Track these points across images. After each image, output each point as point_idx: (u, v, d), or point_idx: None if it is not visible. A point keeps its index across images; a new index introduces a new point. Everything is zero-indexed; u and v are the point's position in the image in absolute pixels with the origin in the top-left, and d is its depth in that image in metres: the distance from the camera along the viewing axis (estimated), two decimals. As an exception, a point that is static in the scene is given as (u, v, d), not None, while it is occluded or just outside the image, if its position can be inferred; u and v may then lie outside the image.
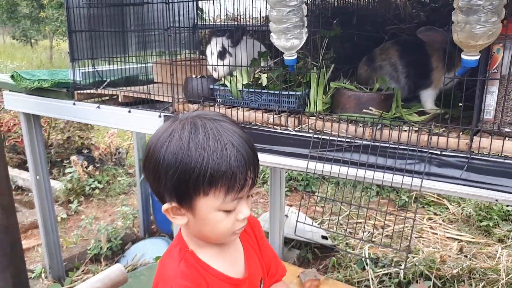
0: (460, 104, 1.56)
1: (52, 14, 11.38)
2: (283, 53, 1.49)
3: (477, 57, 1.18)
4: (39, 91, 2.35)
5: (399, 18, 2.17)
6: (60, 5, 11.38)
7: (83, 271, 3.21)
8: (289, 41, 1.40)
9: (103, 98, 2.31)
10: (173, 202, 0.88)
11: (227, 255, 1.01)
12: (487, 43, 1.14)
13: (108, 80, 2.27)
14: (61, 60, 13.61)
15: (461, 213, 3.82)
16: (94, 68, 2.19)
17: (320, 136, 1.49)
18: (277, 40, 1.42)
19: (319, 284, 2.59)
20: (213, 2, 2.07)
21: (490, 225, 3.55)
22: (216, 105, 1.77)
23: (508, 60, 1.22)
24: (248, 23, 2.58)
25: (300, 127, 1.56)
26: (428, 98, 1.69)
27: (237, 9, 2.60)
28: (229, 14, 2.87)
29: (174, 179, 0.83)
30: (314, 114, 1.54)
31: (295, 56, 1.47)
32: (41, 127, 2.73)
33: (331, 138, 1.47)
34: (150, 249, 3.38)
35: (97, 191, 4.53)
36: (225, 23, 2.47)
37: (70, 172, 4.45)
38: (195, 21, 2.82)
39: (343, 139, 1.45)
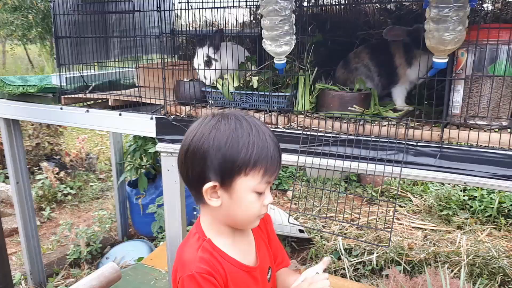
0: (426, 102, 1.78)
1: (6, 18, 10.93)
2: (270, 57, 1.64)
3: (446, 60, 1.37)
4: (23, 97, 2.36)
5: (368, 25, 2.37)
6: (15, 9, 10.95)
7: (62, 276, 3.21)
8: (281, 47, 1.54)
9: (88, 103, 2.36)
10: (215, 182, 0.97)
11: (240, 245, 1.10)
12: (455, 48, 1.34)
13: (93, 84, 2.33)
14: (16, 65, 13.11)
15: (424, 204, 4.11)
16: (82, 73, 2.25)
17: (308, 133, 1.64)
18: (269, 46, 1.56)
19: (299, 274, 2.75)
20: (189, 10, 2.17)
21: (449, 214, 3.85)
22: (208, 106, 1.88)
23: (471, 62, 1.42)
24: (226, 29, 2.70)
25: (289, 125, 1.71)
26: (398, 94, 1.88)
27: (215, 16, 2.72)
28: (206, 20, 2.98)
29: (221, 159, 0.94)
30: (302, 112, 1.69)
31: (285, 60, 1.62)
32: (21, 132, 2.73)
33: (319, 134, 1.62)
34: (130, 252, 3.42)
35: (69, 197, 4.48)
36: (203, 29, 2.58)
37: (41, 179, 4.38)
38: (173, 26, 2.92)
39: (330, 135, 1.61)
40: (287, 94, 1.71)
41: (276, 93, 1.72)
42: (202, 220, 1.08)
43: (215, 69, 1.86)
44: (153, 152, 3.55)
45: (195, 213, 3.84)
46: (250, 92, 1.77)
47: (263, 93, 1.74)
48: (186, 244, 1.06)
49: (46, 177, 4.35)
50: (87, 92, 2.24)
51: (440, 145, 1.45)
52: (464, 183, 1.43)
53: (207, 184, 0.97)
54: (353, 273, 3.01)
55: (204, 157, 0.95)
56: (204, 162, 0.96)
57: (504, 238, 3.48)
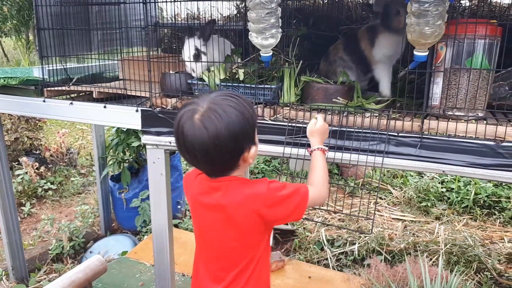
0: (407, 95, 1.83)
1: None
2: (255, 50, 1.66)
3: (426, 53, 1.43)
4: (4, 89, 2.33)
5: (351, 19, 2.42)
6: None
7: (45, 271, 3.18)
8: (267, 40, 1.57)
9: (72, 95, 2.34)
10: (254, 144, 1.21)
11: None
12: (434, 42, 1.39)
13: (76, 77, 2.31)
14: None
15: (403, 196, 4.21)
16: (65, 65, 2.22)
17: (294, 124, 1.68)
18: (255, 38, 1.58)
19: (284, 264, 2.81)
20: (174, 2, 2.17)
21: (428, 206, 3.97)
22: (194, 98, 1.89)
23: (449, 55, 1.48)
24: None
25: (275, 116, 1.74)
26: (381, 75, 1.89)
27: (198, 9, 2.73)
28: (190, 13, 2.98)
29: (253, 127, 1.19)
30: (288, 104, 1.73)
31: (271, 53, 1.65)
32: (1, 125, 2.68)
33: (304, 125, 1.66)
34: (114, 246, 3.41)
35: (50, 192, 4.42)
36: (187, 22, 2.58)
37: (20, 174, 4.31)
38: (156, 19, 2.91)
39: (314, 126, 1.64)
40: (273, 86, 1.74)
41: (262, 86, 1.75)
42: (236, 175, 1.25)
43: (201, 62, 1.88)
44: (136, 146, 3.53)
45: (179, 206, 3.85)
46: (237, 84, 1.79)
47: (249, 85, 1.77)
48: (244, 185, 1.23)
49: (26, 172, 4.28)
50: (70, 84, 2.23)
51: (420, 136, 1.51)
52: (443, 171, 1.49)
53: (252, 150, 1.21)
54: (335, 263, 3.08)
55: (244, 134, 1.16)
56: (244, 137, 1.17)
57: (480, 227, 3.61)
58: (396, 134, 1.55)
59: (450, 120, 1.50)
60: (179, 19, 2.89)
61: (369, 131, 1.58)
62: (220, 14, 2.76)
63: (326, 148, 1.47)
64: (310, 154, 1.48)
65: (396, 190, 4.38)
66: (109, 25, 2.49)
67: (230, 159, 1.20)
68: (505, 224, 3.67)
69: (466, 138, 1.45)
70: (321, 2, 2.52)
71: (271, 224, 1.26)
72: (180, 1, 1.83)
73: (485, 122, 1.48)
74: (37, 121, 4.88)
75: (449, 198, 4.03)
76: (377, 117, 1.60)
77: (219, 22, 2.72)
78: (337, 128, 1.62)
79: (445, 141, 1.47)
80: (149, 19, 1.85)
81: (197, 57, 1.91)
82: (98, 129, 3.56)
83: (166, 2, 1.83)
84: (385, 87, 1.86)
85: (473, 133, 1.45)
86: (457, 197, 3.98)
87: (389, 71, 1.88)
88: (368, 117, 1.61)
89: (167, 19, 2.96)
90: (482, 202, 3.90)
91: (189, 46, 1.89)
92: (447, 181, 4.22)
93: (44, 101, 2.22)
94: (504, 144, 1.40)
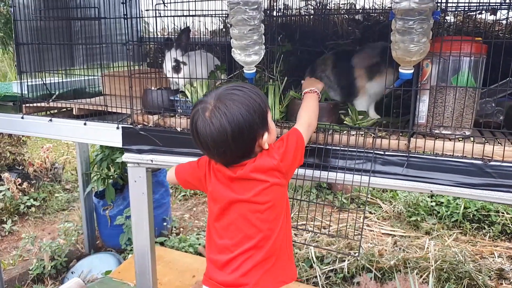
0: (394, 111, 1.80)
1: None
2: (240, 66, 1.62)
3: (412, 71, 1.40)
4: (-19, 105, 2.26)
5: (337, 35, 2.40)
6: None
7: (25, 293, 3.07)
8: (250, 57, 1.53)
9: (52, 112, 2.27)
10: (265, 130, 1.30)
11: None
12: (420, 59, 1.36)
13: (57, 93, 2.25)
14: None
15: (393, 211, 4.18)
16: (44, 81, 2.17)
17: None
18: (238, 55, 1.55)
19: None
20: (157, 17, 2.13)
21: (418, 220, 3.93)
22: (176, 115, 1.85)
23: (435, 73, 1.45)
24: (196, 36, 2.67)
25: (259, 134, 1.69)
26: (359, 106, 1.86)
27: (184, 23, 2.69)
28: (175, 28, 2.95)
29: (261, 116, 1.28)
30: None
31: (254, 70, 1.61)
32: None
33: (288, 143, 1.61)
34: (98, 265, 3.31)
35: (33, 209, 4.31)
36: (172, 36, 2.55)
37: (2, 191, 4.19)
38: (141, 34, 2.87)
39: (299, 144, 1.60)
40: (256, 103, 1.70)
41: (246, 103, 1.70)
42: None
43: (184, 78, 1.83)
44: (121, 162, 3.45)
45: (165, 223, 3.77)
46: (219, 101, 1.74)
47: (232, 102, 1.72)
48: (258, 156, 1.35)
49: (8, 189, 4.17)
50: (50, 100, 2.17)
51: (407, 154, 1.47)
52: (431, 191, 1.45)
53: (264, 137, 1.30)
54: (325, 281, 3.01)
55: (251, 124, 1.25)
56: (251, 127, 1.25)
57: (470, 242, 3.57)
58: (382, 152, 1.51)
59: (437, 138, 1.47)
60: (165, 34, 2.85)
61: (355, 149, 1.54)
62: (206, 28, 2.73)
63: (316, 90, 1.60)
64: (302, 98, 1.62)
65: (385, 204, 4.34)
66: (93, 40, 2.44)
67: (241, 149, 1.29)
68: (495, 239, 3.65)
69: (453, 157, 1.42)
70: (307, 18, 2.50)
71: (288, 176, 1.38)
72: (161, 17, 1.79)
73: (472, 140, 1.45)
74: (20, 136, 4.78)
75: (438, 212, 4.00)
76: (363, 135, 1.56)
77: (205, 36, 2.69)
78: (322, 147, 1.58)
79: (432, 160, 1.44)
80: (130, 35, 1.80)
81: (177, 68, 1.87)
82: (82, 145, 3.48)
83: (148, 17, 1.79)
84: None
85: (460, 152, 1.42)
86: (446, 211, 3.95)
87: (369, 104, 1.86)
88: (353, 135, 1.57)
89: (152, 34, 2.93)
90: (471, 216, 3.87)
91: (169, 59, 1.84)
92: (437, 195, 4.20)
93: (22, 117, 2.16)
94: (491, 163, 1.37)
